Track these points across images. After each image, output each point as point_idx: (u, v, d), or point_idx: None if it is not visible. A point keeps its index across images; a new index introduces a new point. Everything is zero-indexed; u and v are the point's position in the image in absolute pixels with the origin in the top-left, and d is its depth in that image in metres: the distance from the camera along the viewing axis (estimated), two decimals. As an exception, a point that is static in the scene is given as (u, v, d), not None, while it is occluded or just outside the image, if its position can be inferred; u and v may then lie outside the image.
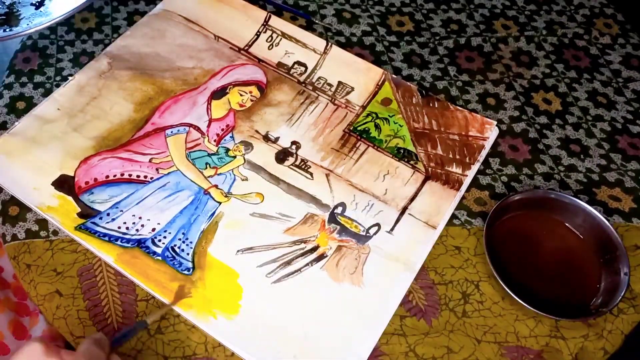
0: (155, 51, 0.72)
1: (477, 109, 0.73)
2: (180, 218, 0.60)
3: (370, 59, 0.75)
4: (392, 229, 0.62)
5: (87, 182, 0.61)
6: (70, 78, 0.68)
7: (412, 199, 0.64)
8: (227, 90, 0.70)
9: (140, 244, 0.58)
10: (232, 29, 0.75)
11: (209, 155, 0.65)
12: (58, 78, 0.70)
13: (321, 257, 0.59)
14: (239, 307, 0.55)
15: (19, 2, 0.71)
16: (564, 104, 0.75)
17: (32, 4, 0.71)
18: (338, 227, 0.61)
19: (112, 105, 0.66)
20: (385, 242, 0.61)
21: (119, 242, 0.57)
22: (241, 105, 0.69)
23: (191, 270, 0.57)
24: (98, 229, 0.58)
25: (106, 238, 0.58)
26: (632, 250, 0.63)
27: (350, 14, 0.80)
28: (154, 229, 0.59)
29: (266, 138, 0.67)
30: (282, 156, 0.66)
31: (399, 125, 0.69)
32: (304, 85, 0.71)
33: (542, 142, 0.71)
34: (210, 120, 0.67)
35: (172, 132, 0.65)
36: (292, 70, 0.72)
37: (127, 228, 0.58)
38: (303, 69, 0.73)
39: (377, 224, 0.62)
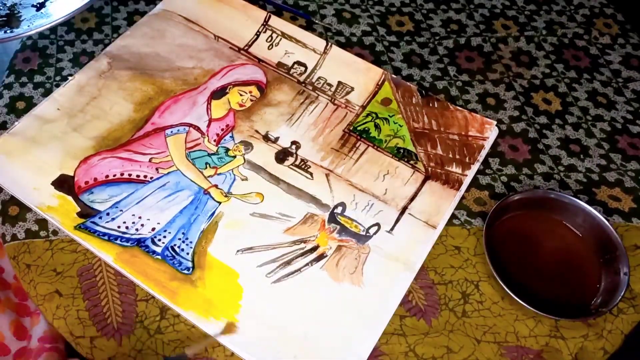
0: (155, 51, 0.72)
1: (477, 109, 0.73)
2: (180, 218, 0.60)
3: (370, 59, 0.75)
4: (392, 229, 0.62)
5: (86, 182, 0.61)
6: (70, 78, 0.68)
7: (412, 199, 0.64)
8: (227, 90, 0.70)
9: (139, 243, 0.58)
10: (232, 28, 0.75)
11: (209, 155, 0.65)
12: (58, 78, 0.70)
13: (321, 257, 0.59)
14: (239, 307, 0.55)
15: (20, 4, 0.71)
16: (563, 104, 0.75)
17: (33, 6, 0.71)
18: (338, 226, 0.61)
19: (112, 105, 0.67)
20: (385, 241, 0.61)
21: (118, 242, 0.57)
22: (241, 105, 0.69)
23: (191, 269, 0.57)
24: (98, 228, 0.58)
25: (106, 237, 0.58)
26: (632, 250, 0.63)
27: (350, 14, 0.80)
28: (153, 229, 0.59)
29: (266, 138, 0.67)
30: (282, 156, 0.66)
31: (399, 125, 0.69)
32: (303, 85, 0.71)
33: (542, 142, 0.71)
34: (210, 120, 0.67)
35: (172, 132, 0.65)
36: (292, 70, 0.72)
37: (126, 227, 0.59)
38: (303, 68, 0.73)
39: (377, 224, 0.62)
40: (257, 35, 0.75)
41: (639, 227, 0.65)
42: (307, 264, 0.59)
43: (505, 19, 0.83)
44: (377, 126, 0.69)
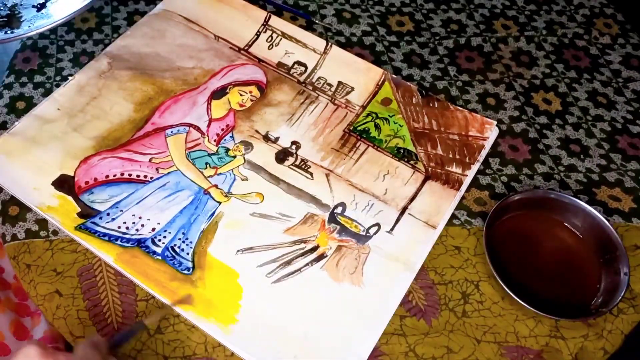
0: (155, 51, 0.72)
1: (477, 109, 0.73)
2: (180, 218, 0.60)
3: (370, 59, 0.75)
4: (392, 229, 0.62)
5: (87, 182, 0.61)
6: (70, 78, 0.68)
7: (412, 199, 0.64)
8: (227, 90, 0.70)
9: (140, 243, 0.58)
10: (232, 29, 0.75)
11: (209, 155, 0.65)
12: (58, 78, 0.70)
13: (321, 257, 0.59)
14: (239, 307, 0.55)
15: (21, 4, 0.71)
16: (563, 104, 0.75)
17: (33, 6, 0.71)
18: (338, 227, 0.61)
19: (112, 105, 0.67)
20: (385, 242, 0.61)
21: (118, 242, 0.57)
22: (241, 105, 0.69)
23: (191, 269, 0.57)
24: (98, 228, 0.58)
25: (106, 238, 0.58)
26: (632, 250, 0.63)
27: (350, 14, 0.80)
28: (153, 229, 0.59)
29: (266, 138, 0.67)
30: (282, 156, 0.66)
31: (399, 125, 0.69)
32: (304, 85, 0.71)
33: (542, 142, 0.71)
34: (210, 120, 0.67)
35: (172, 132, 0.65)
36: (292, 70, 0.72)
37: (127, 228, 0.59)
38: (303, 69, 0.73)
39: (377, 224, 0.62)
40: (257, 35, 0.75)
41: (639, 227, 0.65)
42: (307, 264, 0.59)
43: (505, 19, 0.83)
44: (377, 126, 0.69)
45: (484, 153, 0.68)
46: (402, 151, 0.67)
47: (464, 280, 0.60)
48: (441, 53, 0.78)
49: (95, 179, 0.61)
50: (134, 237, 0.58)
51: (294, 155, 0.66)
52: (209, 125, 0.67)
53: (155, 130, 0.65)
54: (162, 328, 0.55)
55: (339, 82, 0.72)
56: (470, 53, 0.79)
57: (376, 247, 0.60)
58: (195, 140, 0.65)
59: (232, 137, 0.66)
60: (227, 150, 0.65)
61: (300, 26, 0.77)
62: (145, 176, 0.62)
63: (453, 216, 0.64)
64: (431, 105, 0.71)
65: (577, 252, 0.62)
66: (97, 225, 0.58)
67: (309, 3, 0.81)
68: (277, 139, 0.67)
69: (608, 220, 0.62)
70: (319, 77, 0.72)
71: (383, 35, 0.79)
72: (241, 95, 0.69)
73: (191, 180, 0.62)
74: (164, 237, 0.58)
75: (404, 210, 0.63)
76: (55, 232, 0.59)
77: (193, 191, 0.62)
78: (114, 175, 0.62)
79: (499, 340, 0.57)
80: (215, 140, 0.66)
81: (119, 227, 0.58)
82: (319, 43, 0.75)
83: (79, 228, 0.58)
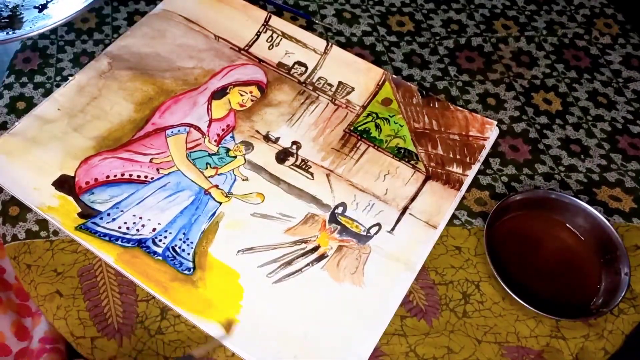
0: (155, 51, 0.72)
1: (477, 109, 0.73)
2: (180, 218, 0.60)
3: (371, 59, 0.75)
4: (392, 229, 0.62)
5: (87, 182, 0.61)
6: (70, 78, 0.68)
7: (413, 199, 0.64)
8: (228, 91, 0.70)
9: (140, 243, 0.58)
10: (233, 29, 0.75)
11: (210, 155, 0.65)
12: (58, 78, 0.70)
13: (322, 257, 0.59)
14: (239, 308, 0.55)
15: (22, 5, 0.71)
16: (564, 104, 0.75)
17: (35, 7, 0.71)
18: (339, 227, 0.61)
19: (113, 105, 0.66)
20: (385, 242, 0.61)
21: (119, 242, 0.57)
22: (241, 105, 0.69)
23: (192, 270, 0.57)
24: (98, 229, 0.58)
25: (107, 238, 0.58)
26: (633, 251, 0.63)
27: (350, 14, 0.80)
28: (154, 229, 0.59)
29: (267, 138, 0.67)
30: (282, 156, 0.65)
31: (400, 125, 0.69)
32: (304, 85, 0.71)
33: (543, 142, 0.71)
34: (211, 121, 0.67)
35: (172, 132, 0.65)
36: (293, 71, 0.72)
37: (127, 228, 0.58)
38: (303, 69, 0.73)
39: (378, 224, 0.62)
40: (258, 35, 0.75)
41: (639, 227, 0.66)
42: (307, 264, 0.59)
43: (505, 19, 0.83)
44: (377, 126, 0.69)
45: (484, 153, 0.68)
46: (402, 151, 0.67)
47: (465, 280, 0.60)
48: (441, 53, 0.78)
49: (96, 179, 0.61)
50: (134, 237, 0.58)
51: (295, 156, 0.66)
52: (209, 126, 0.67)
53: (156, 131, 0.65)
54: (162, 328, 0.55)
55: (340, 82, 0.72)
56: (470, 53, 0.79)
57: (377, 247, 0.60)
58: (196, 141, 0.65)
59: (232, 137, 0.66)
60: (228, 150, 0.65)
61: (301, 26, 0.77)
62: (146, 176, 0.62)
63: (454, 216, 0.64)
64: (431, 105, 0.71)
65: (578, 252, 0.62)
66: (98, 225, 0.58)
67: (309, 3, 0.81)
68: (277, 139, 0.67)
69: (608, 221, 0.62)
70: (320, 77, 0.72)
71: (383, 36, 0.79)
72: (241, 95, 0.69)
73: (192, 181, 0.62)
74: (165, 237, 0.58)
75: (404, 210, 0.63)
76: (55, 233, 0.59)
77: (194, 191, 0.62)
78: (115, 176, 0.62)
79: (500, 340, 0.57)
80: (215, 141, 0.66)
81: (120, 228, 0.58)
82: (319, 43, 0.74)
83: (79, 228, 0.58)
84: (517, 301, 0.56)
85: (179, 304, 0.55)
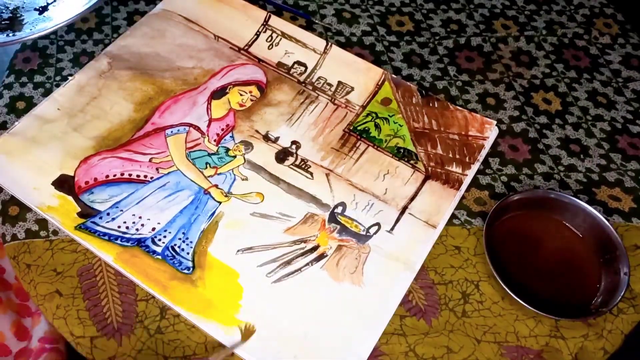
0: (155, 51, 0.72)
1: (477, 109, 0.73)
2: (180, 218, 0.60)
3: (370, 59, 0.75)
4: (392, 229, 0.62)
5: (87, 182, 0.61)
6: (70, 78, 0.68)
7: (412, 199, 0.64)
8: (227, 90, 0.70)
9: (140, 243, 0.58)
10: (232, 28, 0.75)
11: (209, 155, 0.65)
12: (58, 78, 0.70)
13: (321, 256, 0.59)
14: (239, 307, 0.55)
15: (23, 7, 0.71)
16: (563, 103, 0.75)
17: (35, 9, 0.71)
18: (338, 226, 0.61)
19: (112, 105, 0.67)
20: (385, 241, 0.61)
21: (118, 242, 0.57)
22: (241, 105, 0.69)
23: (191, 269, 0.57)
24: (98, 228, 0.58)
25: (106, 237, 0.58)
26: (632, 250, 0.63)
27: (350, 14, 0.80)
28: (154, 229, 0.59)
29: (266, 138, 0.67)
30: (282, 156, 0.66)
31: (399, 125, 0.69)
32: (304, 85, 0.71)
33: (542, 142, 0.71)
34: (210, 120, 0.67)
35: (172, 132, 0.65)
36: (292, 70, 0.72)
37: (127, 227, 0.59)
38: (303, 68, 0.73)
39: (377, 224, 0.62)
40: (257, 35, 0.75)
41: (639, 227, 0.65)
42: (307, 264, 0.59)
43: (505, 18, 0.83)
44: (377, 126, 0.69)
45: (483, 153, 0.68)
46: (402, 151, 0.67)
47: (464, 280, 0.60)
48: (441, 53, 0.78)
49: (96, 179, 0.61)
50: (134, 236, 0.58)
51: (294, 155, 0.66)
52: (209, 125, 0.67)
53: (155, 130, 0.65)
54: (162, 328, 0.55)
55: (339, 82, 0.72)
56: (470, 53, 0.79)
57: (376, 247, 0.60)
58: (196, 140, 0.65)
59: (232, 137, 0.66)
60: (227, 150, 0.65)
61: (300, 26, 0.77)
62: (146, 176, 0.62)
63: (453, 216, 0.64)
64: (431, 105, 0.71)
65: (577, 252, 0.62)
66: (97, 225, 0.58)
67: (309, 3, 0.81)
68: (277, 138, 0.67)
69: (608, 220, 0.62)
70: (319, 77, 0.72)
71: (383, 35, 0.79)
72: (241, 95, 0.69)
73: (191, 180, 0.62)
74: (164, 236, 0.58)
75: (404, 209, 0.63)
76: (55, 232, 0.59)
77: (193, 191, 0.62)
78: (114, 175, 0.62)
79: (499, 340, 0.57)
80: (215, 140, 0.66)
81: (119, 227, 0.58)
82: (319, 43, 0.75)
83: (79, 228, 0.58)
84: (516, 301, 0.56)
85: (178, 304, 0.55)
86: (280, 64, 0.73)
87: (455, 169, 0.67)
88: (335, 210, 0.62)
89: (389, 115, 0.70)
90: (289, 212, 0.61)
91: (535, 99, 0.75)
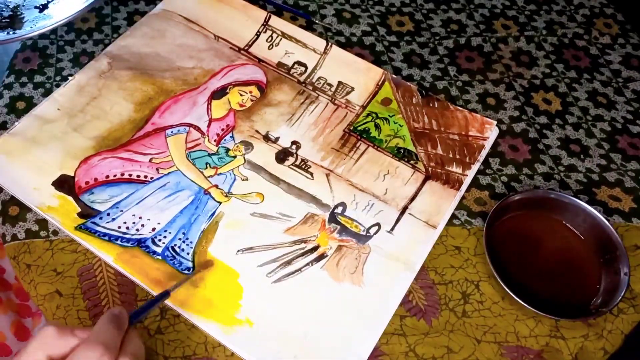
0: (155, 51, 0.72)
1: (477, 109, 0.73)
2: (180, 218, 0.60)
3: (370, 59, 0.75)
4: (392, 229, 0.62)
5: (87, 182, 0.61)
6: (70, 78, 0.68)
7: (412, 199, 0.64)
8: (227, 90, 0.70)
9: (140, 243, 0.58)
10: (232, 29, 0.75)
11: (209, 155, 0.65)
12: (58, 78, 0.70)
13: (321, 256, 0.59)
14: (239, 307, 0.55)
15: (23, 5, 0.71)
16: (563, 104, 0.75)
17: (36, 7, 0.71)
18: (338, 226, 0.61)
19: (112, 105, 0.67)
20: (385, 241, 0.61)
21: (119, 242, 0.57)
22: (241, 105, 0.69)
23: (191, 269, 0.57)
24: (98, 228, 0.58)
25: (106, 238, 0.58)
26: (632, 250, 0.63)
27: (350, 14, 0.80)
28: (154, 229, 0.59)
29: (266, 138, 0.67)
30: (282, 156, 0.66)
31: (399, 125, 0.69)
32: (304, 85, 0.71)
33: (542, 142, 0.71)
34: (211, 120, 0.67)
35: (172, 132, 0.65)
36: (292, 70, 0.72)
37: (127, 228, 0.59)
38: (303, 69, 0.73)
39: (378, 224, 0.62)
40: (257, 35, 0.75)
41: (639, 227, 0.65)
42: (307, 264, 0.59)
43: (505, 19, 0.83)
44: (377, 126, 0.69)
45: (484, 153, 0.68)
46: (402, 151, 0.67)
47: (464, 280, 0.60)
48: (441, 53, 0.78)
49: (96, 179, 0.61)
50: (134, 237, 0.58)
51: (294, 155, 0.66)
52: (209, 125, 0.67)
53: (156, 131, 0.65)
54: (162, 328, 0.55)
55: (339, 82, 0.72)
56: (470, 53, 0.79)
57: (376, 247, 0.60)
58: (196, 141, 0.65)
59: (232, 137, 0.66)
60: (227, 150, 0.65)
61: (300, 26, 0.77)
62: (146, 176, 0.62)
63: (453, 216, 0.64)
64: (431, 105, 0.71)
65: (577, 252, 0.62)
66: (97, 225, 0.58)
67: (309, 3, 0.81)
68: (277, 139, 0.67)
69: (608, 220, 0.62)
70: (319, 77, 0.72)
71: (383, 35, 0.79)
72: (241, 95, 0.69)
73: (191, 181, 0.62)
74: (164, 237, 0.58)
75: (404, 210, 0.63)
76: (55, 232, 0.59)
77: (193, 191, 0.62)
78: (114, 176, 0.62)
79: (499, 340, 0.57)
80: (215, 140, 0.66)
81: (119, 227, 0.58)
82: (319, 43, 0.75)
83: (79, 228, 0.58)
84: (516, 301, 0.56)
85: (178, 304, 0.55)
86: (280, 64, 0.73)
87: (455, 169, 0.67)
88: (336, 211, 0.62)
89: (389, 116, 0.70)
90: (289, 212, 0.61)
91: (535, 99, 0.75)
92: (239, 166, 0.64)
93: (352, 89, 0.72)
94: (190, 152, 0.64)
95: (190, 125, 0.66)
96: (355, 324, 0.56)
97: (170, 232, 0.59)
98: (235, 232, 0.60)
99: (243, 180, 0.63)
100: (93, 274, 0.57)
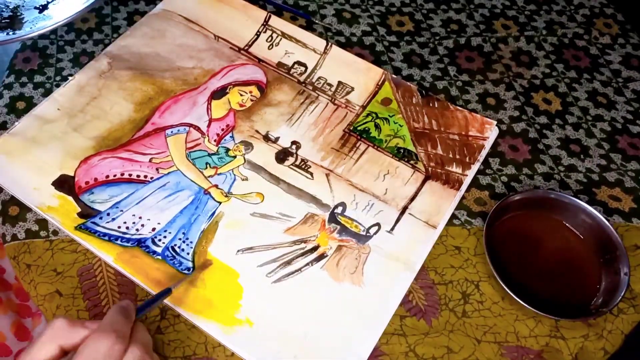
0: (155, 51, 0.72)
1: (477, 109, 0.73)
2: (180, 218, 0.60)
3: (370, 59, 0.75)
4: (392, 229, 0.62)
5: (87, 182, 0.61)
6: (70, 78, 0.68)
7: (412, 199, 0.64)
8: (227, 90, 0.70)
9: (140, 243, 0.58)
10: (232, 28, 0.75)
11: (209, 155, 0.65)
12: (58, 78, 0.70)
13: (321, 256, 0.59)
14: (239, 307, 0.55)
15: (23, 6, 0.71)
16: (563, 104, 0.75)
17: (35, 8, 0.71)
18: (338, 226, 0.61)
19: (112, 105, 0.67)
20: (385, 241, 0.61)
21: (119, 242, 0.57)
22: (241, 105, 0.69)
23: (191, 269, 0.57)
24: (98, 228, 0.58)
25: (106, 238, 0.58)
26: (632, 250, 0.63)
27: (350, 14, 0.80)
28: (154, 229, 0.59)
29: (266, 138, 0.67)
30: (282, 156, 0.66)
31: (399, 125, 0.69)
32: (304, 85, 0.71)
33: (542, 142, 0.71)
34: (210, 120, 0.67)
35: (172, 132, 0.65)
36: (292, 70, 0.72)
37: (127, 228, 0.59)
38: (303, 68, 0.73)
39: (377, 224, 0.62)
40: (257, 35, 0.75)
41: (639, 227, 0.65)
42: (307, 264, 0.59)
43: (505, 19, 0.83)
44: (377, 126, 0.69)
45: (484, 153, 0.68)
46: (402, 151, 0.67)
47: (464, 280, 0.60)
48: (441, 53, 0.78)
49: (96, 179, 0.61)
50: (134, 237, 0.58)
51: (294, 155, 0.66)
52: (209, 125, 0.67)
53: (156, 130, 0.65)
54: (162, 328, 0.55)
55: (339, 82, 0.72)
56: (470, 53, 0.79)
57: (376, 247, 0.60)
58: (196, 140, 0.65)
59: (232, 137, 0.66)
60: (227, 150, 0.65)
61: (300, 26, 0.77)
62: (146, 176, 0.62)
63: (453, 216, 0.64)
64: (431, 105, 0.71)
65: (577, 252, 0.62)
66: (97, 225, 0.58)
67: (309, 3, 0.81)
68: (277, 139, 0.67)
69: (608, 220, 0.62)
70: (319, 77, 0.72)
71: (383, 35, 0.79)
72: (241, 95, 0.69)
73: (191, 180, 0.62)
74: (164, 237, 0.58)
75: (404, 210, 0.63)
76: (55, 232, 0.59)
77: (193, 191, 0.62)
78: (114, 176, 0.62)
79: (499, 340, 0.57)
80: (215, 140, 0.66)
81: (119, 227, 0.58)
82: (319, 43, 0.75)
83: (79, 228, 0.58)
84: (516, 301, 0.56)
85: (178, 304, 0.55)
86: (280, 64, 0.73)
87: (455, 169, 0.67)
88: (335, 211, 0.62)
89: (389, 116, 0.70)
90: (289, 212, 0.61)
91: (535, 99, 0.75)
92: (239, 166, 0.64)
93: (352, 88, 0.72)
94: (190, 152, 0.64)
95: (190, 125, 0.66)
96: (355, 324, 0.56)
97: (170, 232, 0.59)
98: (235, 232, 0.60)
99: (243, 180, 0.63)
100: (93, 274, 0.57)
